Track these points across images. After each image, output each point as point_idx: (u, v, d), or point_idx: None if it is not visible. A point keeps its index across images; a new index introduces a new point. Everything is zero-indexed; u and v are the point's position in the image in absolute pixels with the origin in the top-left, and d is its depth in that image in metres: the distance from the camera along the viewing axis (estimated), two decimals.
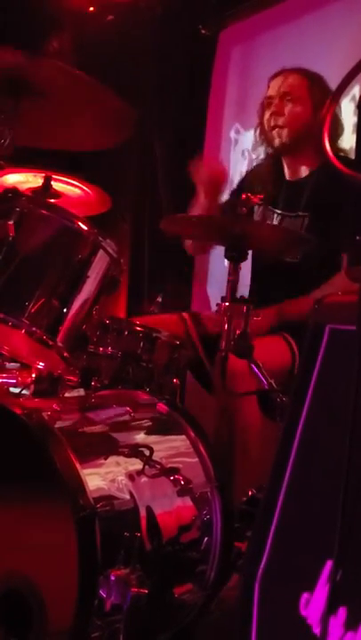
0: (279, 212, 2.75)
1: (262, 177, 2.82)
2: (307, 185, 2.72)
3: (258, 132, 2.85)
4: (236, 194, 2.91)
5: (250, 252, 2.25)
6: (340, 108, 2.72)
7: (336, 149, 2.66)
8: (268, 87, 2.80)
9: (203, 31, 4.13)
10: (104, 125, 2.27)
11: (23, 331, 1.96)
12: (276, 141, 2.75)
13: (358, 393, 1.29)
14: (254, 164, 3.12)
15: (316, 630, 1.28)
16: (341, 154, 2.72)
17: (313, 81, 2.74)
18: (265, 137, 2.80)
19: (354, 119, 2.93)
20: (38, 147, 2.37)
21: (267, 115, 2.76)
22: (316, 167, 2.72)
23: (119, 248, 2.11)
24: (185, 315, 2.75)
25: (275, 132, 2.74)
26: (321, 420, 1.41)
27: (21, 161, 2.46)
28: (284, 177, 2.82)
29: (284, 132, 2.72)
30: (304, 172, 2.77)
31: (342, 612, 1.25)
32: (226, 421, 2.39)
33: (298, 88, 2.73)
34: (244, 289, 2.47)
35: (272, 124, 2.74)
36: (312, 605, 1.31)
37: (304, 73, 2.76)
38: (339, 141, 2.72)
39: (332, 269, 2.51)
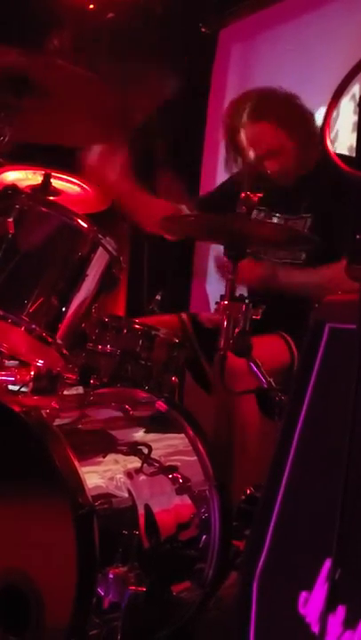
0: (277, 214, 2.74)
1: (260, 179, 2.81)
2: (305, 185, 2.71)
3: (234, 157, 2.75)
4: (230, 187, 2.89)
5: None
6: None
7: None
8: (241, 138, 2.65)
9: (203, 29, 4.12)
10: (105, 122, 2.27)
11: (22, 328, 1.95)
12: (282, 179, 2.68)
13: (358, 392, 1.29)
14: None
15: (315, 629, 1.28)
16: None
17: (279, 120, 2.61)
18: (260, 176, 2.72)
19: (354, 118, 2.93)
20: (39, 142, 2.36)
21: (264, 167, 2.67)
22: (311, 168, 2.70)
23: (118, 246, 2.10)
24: (183, 315, 2.74)
25: (278, 176, 2.67)
26: (320, 419, 1.40)
27: (21, 158, 2.45)
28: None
29: (285, 174, 2.66)
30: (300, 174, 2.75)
31: (341, 611, 1.25)
32: (225, 420, 2.39)
33: (278, 141, 2.62)
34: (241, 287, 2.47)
35: (270, 171, 2.66)
36: (311, 604, 1.31)
37: (270, 120, 2.61)
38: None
39: (330, 259, 2.50)
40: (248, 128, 2.64)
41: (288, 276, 2.57)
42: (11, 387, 2.35)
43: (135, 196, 2.75)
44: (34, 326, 1.95)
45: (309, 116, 2.66)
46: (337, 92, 1.25)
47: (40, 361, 2.18)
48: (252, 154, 2.67)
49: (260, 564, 1.40)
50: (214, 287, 3.89)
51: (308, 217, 2.64)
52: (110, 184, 2.66)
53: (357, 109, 2.72)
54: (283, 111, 2.62)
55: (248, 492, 2.10)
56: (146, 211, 2.74)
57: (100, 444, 1.85)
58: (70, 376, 2.11)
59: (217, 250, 2.84)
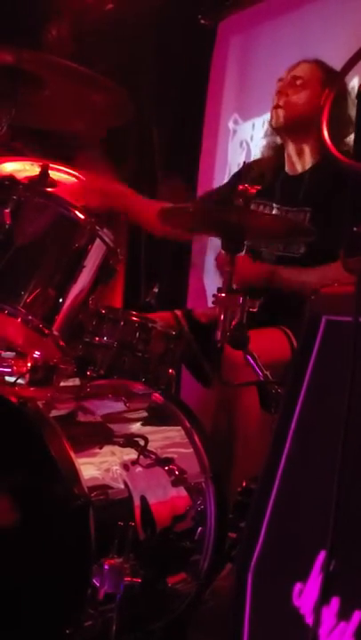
0: (277, 205, 2.74)
1: (263, 167, 2.83)
2: (306, 179, 2.71)
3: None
4: (234, 182, 2.90)
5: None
6: (353, 107, 2.72)
7: (339, 145, 2.65)
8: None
9: (202, 21, 4.10)
10: (101, 111, 2.27)
11: (19, 319, 1.95)
12: (273, 121, 2.78)
13: (353, 384, 1.29)
14: (253, 154, 3.11)
15: (309, 620, 1.28)
16: (345, 148, 2.72)
17: (328, 75, 2.73)
18: (270, 115, 2.81)
19: (353, 111, 2.92)
20: (34, 126, 2.37)
21: (274, 93, 2.78)
22: (317, 160, 2.72)
23: (116, 237, 2.10)
24: (178, 312, 2.74)
25: (275, 112, 2.76)
26: (316, 411, 1.40)
27: (19, 149, 2.45)
28: (283, 169, 2.82)
29: (281, 112, 2.73)
30: (304, 164, 2.76)
31: (335, 602, 1.25)
32: (226, 412, 2.38)
33: (310, 76, 2.74)
34: None
35: (275, 102, 2.76)
36: (305, 595, 1.31)
37: (322, 66, 2.77)
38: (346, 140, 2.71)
39: (329, 258, 2.51)
40: (304, 61, 2.79)
41: (289, 274, 2.57)
42: (7, 378, 2.35)
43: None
44: (30, 317, 1.95)
45: (346, 93, 2.70)
46: (334, 82, 1.25)
47: (37, 352, 2.17)
48: (284, 74, 2.78)
49: (255, 555, 1.41)
50: (212, 280, 3.89)
51: (308, 210, 2.64)
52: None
53: (356, 101, 2.72)
54: (331, 70, 2.74)
55: (244, 484, 2.10)
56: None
57: (96, 436, 1.85)
58: (67, 367, 2.11)
59: (216, 245, 2.87)
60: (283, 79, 2.79)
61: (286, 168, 2.81)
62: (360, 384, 1.30)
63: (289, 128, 2.75)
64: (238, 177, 2.93)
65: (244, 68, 4.02)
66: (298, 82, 2.74)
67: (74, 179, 2.59)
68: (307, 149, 2.75)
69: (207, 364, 2.54)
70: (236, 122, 4.02)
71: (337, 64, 1.27)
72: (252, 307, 2.07)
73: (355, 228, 1.40)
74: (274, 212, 2.74)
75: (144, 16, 4.14)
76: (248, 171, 2.89)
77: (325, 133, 1.26)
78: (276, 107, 2.75)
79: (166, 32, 4.17)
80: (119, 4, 4.16)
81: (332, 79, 2.72)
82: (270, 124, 2.82)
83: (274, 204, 2.75)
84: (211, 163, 4.11)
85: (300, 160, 2.78)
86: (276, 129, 2.80)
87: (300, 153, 2.77)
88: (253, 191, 2.18)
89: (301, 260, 2.64)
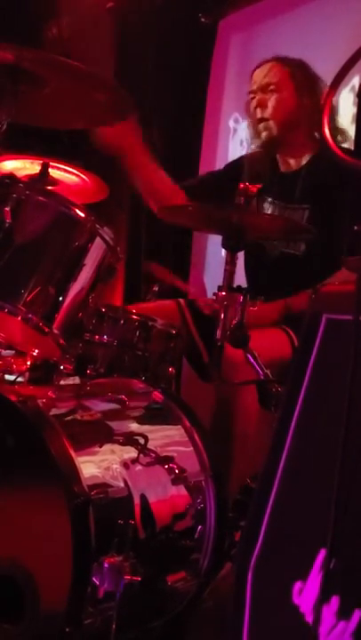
0: (271, 199, 2.73)
1: (256, 167, 2.82)
2: (303, 176, 2.71)
3: (249, 126, 2.84)
4: (225, 175, 2.89)
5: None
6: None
7: (334, 135, 2.64)
8: (251, 81, 2.78)
9: (202, 19, 4.10)
10: (102, 110, 2.27)
11: (19, 318, 1.95)
12: (264, 135, 2.73)
13: (354, 383, 1.29)
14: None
15: (309, 619, 1.28)
16: (339, 137, 2.71)
17: (294, 68, 2.72)
18: (253, 131, 2.78)
19: (353, 109, 2.93)
20: (35, 125, 2.36)
21: (252, 108, 2.75)
22: (308, 156, 2.71)
23: (116, 236, 2.10)
24: (181, 301, 2.74)
25: (262, 126, 2.72)
26: (316, 410, 1.41)
27: (19, 147, 2.45)
28: (278, 168, 2.81)
29: (271, 123, 2.70)
30: (296, 161, 2.75)
31: (335, 601, 1.26)
32: (225, 410, 2.38)
33: (279, 77, 2.71)
34: (239, 279, 2.46)
35: (258, 116, 2.72)
36: (305, 594, 1.31)
37: (284, 61, 2.74)
38: (334, 124, 2.71)
39: (336, 264, 2.50)
40: (264, 63, 2.75)
41: (301, 301, 2.54)
42: (7, 376, 2.35)
43: (146, 164, 2.79)
44: (30, 316, 1.94)
45: (317, 79, 2.71)
46: (335, 81, 1.25)
47: (37, 351, 2.18)
48: (253, 86, 2.74)
49: (255, 554, 1.41)
50: (212, 278, 3.89)
51: (306, 208, 2.64)
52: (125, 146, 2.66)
53: (357, 100, 2.72)
54: (293, 61, 2.74)
55: (244, 482, 2.10)
56: (153, 184, 2.77)
57: (96, 434, 1.85)
58: (67, 366, 2.11)
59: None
60: (253, 90, 2.74)
61: (280, 166, 2.80)
62: (360, 383, 1.30)
63: (281, 138, 2.71)
64: (231, 169, 2.92)
65: (244, 66, 4.02)
66: (271, 87, 2.70)
67: (75, 177, 2.59)
68: (295, 145, 2.74)
69: (208, 357, 2.53)
70: (236, 120, 4.02)
71: (337, 62, 1.27)
72: (253, 306, 2.08)
73: (355, 227, 1.40)
74: (269, 207, 2.73)
75: (144, 14, 4.13)
76: (240, 167, 2.87)
77: (327, 131, 1.26)
78: (261, 120, 2.71)
79: (167, 30, 4.17)
80: (120, 1, 4.16)
81: (298, 68, 2.69)
82: (260, 141, 2.75)
83: (269, 199, 2.74)
84: (211, 161, 4.11)
85: (292, 159, 2.77)
86: (266, 142, 2.74)
87: (288, 151, 2.76)
88: (254, 190, 2.19)
89: (303, 258, 2.64)
